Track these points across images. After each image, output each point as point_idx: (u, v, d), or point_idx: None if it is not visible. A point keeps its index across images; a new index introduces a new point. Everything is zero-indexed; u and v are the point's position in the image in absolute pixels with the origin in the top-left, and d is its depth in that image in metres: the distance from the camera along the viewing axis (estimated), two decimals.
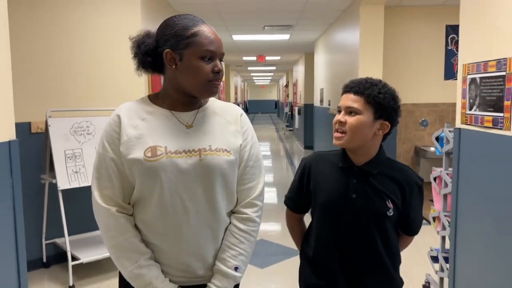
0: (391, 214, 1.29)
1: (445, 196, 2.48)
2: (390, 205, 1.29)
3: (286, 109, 17.46)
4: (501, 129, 1.86)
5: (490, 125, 1.94)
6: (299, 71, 12.03)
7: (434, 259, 2.67)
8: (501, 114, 1.86)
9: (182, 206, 1.16)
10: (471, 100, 2.13)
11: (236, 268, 1.21)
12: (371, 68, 4.50)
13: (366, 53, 4.53)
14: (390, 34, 4.89)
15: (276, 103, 28.44)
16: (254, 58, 11.55)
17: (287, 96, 17.57)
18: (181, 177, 1.15)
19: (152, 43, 1.18)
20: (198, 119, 1.23)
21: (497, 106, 1.89)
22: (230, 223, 1.26)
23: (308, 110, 9.99)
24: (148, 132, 1.17)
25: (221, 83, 1.08)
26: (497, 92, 1.89)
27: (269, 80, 27.21)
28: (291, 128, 15.14)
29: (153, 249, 1.20)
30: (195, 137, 1.20)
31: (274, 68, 16.25)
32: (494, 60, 1.92)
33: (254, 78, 23.89)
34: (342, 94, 1.33)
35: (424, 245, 2.93)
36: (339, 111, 1.32)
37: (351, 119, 1.27)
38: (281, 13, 5.66)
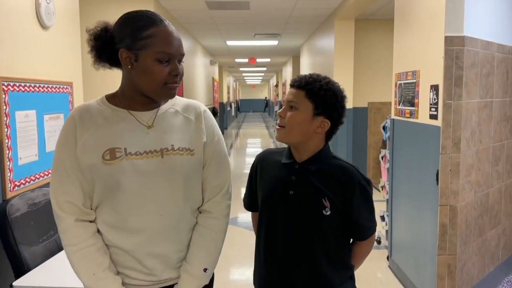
0: (328, 213, 1.23)
1: (388, 170, 3.36)
2: (327, 203, 1.23)
3: (276, 108, 18.33)
4: (414, 118, 2.73)
5: (409, 115, 2.82)
6: (288, 72, 12.89)
7: (382, 218, 3.56)
8: (414, 108, 2.73)
9: (144, 208, 1.13)
10: (399, 99, 3.00)
11: (205, 270, 1.19)
12: (343, 70, 5.37)
13: (339, 58, 5.41)
14: (361, 42, 5.75)
15: (267, 102, 29.18)
16: (246, 60, 12.40)
17: (277, 95, 18.43)
18: (142, 179, 1.12)
19: (109, 38, 1.11)
20: (159, 119, 1.17)
21: (412, 102, 2.76)
22: (196, 223, 1.23)
23: None
24: (106, 134, 1.12)
25: (180, 84, 1.11)
26: (412, 93, 2.76)
27: (260, 80, 27.93)
28: None
29: (116, 252, 1.15)
30: (156, 137, 1.15)
31: (264, 69, 17.09)
32: (410, 71, 2.79)
33: (245, 77, 24.65)
34: (289, 88, 1.30)
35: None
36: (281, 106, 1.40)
37: (289, 114, 1.24)
38: (269, 24, 6.51)
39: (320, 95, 1.21)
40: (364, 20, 5.72)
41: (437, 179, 2.39)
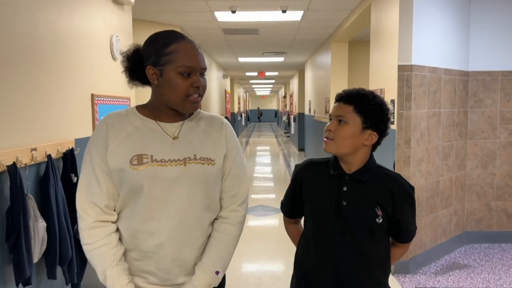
0: (381, 221, 1.28)
1: None
2: (380, 212, 1.28)
3: (284, 118, 19.25)
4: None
5: None
6: (294, 84, 13.84)
7: None
8: None
9: (166, 213, 1.18)
10: None
11: (217, 272, 1.23)
12: (339, 83, 6.31)
13: (335, 73, 6.39)
14: (354, 60, 6.66)
15: (276, 112, 30.02)
16: (256, 74, 13.40)
17: (285, 106, 19.36)
18: (165, 185, 1.17)
19: (139, 58, 1.20)
20: (184, 131, 1.24)
21: None
22: (212, 229, 1.28)
23: (301, 118, 11.77)
24: (135, 141, 1.19)
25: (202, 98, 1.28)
26: None
27: (269, 91, 28.83)
28: (288, 135, 16.90)
29: (135, 257, 1.21)
30: (181, 147, 1.21)
31: (273, 81, 18.07)
32: (379, 88, 3.69)
33: (255, 89, 25.65)
34: (335, 102, 1.34)
35: None
36: (330, 119, 1.33)
37: (339, 128, 1.27)
38: (275, 45, 7.49)
39: (369, 109, 1.27)
40: (357, 42, 6.64)
41: (393, 167, 3.27)
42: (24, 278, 1.77)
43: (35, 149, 1.94)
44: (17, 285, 1.76)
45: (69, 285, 2.18)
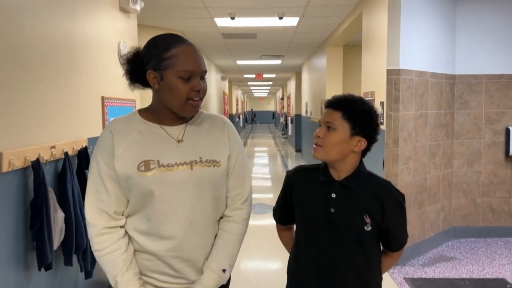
0: (369, 229, 1.28)
1: None
2: (368, 220, 1.27)
3: (282, 119, 19.47)
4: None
5: None
6: (292, 86, 14.06)
7: None
8: None
9: (175, 216, 1.20)
10: None
11: (224, 270, 1.26)
12: (334, 85, 6.53)
13: (331, 75, 6.62)
14: (349, 63, 6.88)
15: (274, 114, 30.23)
16: (254, 76, 13.62)
17: (283, 107, 19.58)
18: (174, 189, 1.19)
19: (139, 61, 1.21)
20: (188, 133, 1.26)
21: None
22: (218, 228, 1.31)
23: (298, 119, 11.99)
24: (140, 147, 1.20)
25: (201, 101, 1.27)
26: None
27: (267, 93, 29.03)
28: (286, 136, 17.12)
29: (146, 258, 1.23)
30: (186, 150, 1.23)
31: (271, 83, 18.29)
32: (370, 91, 3.91)
33: (253, 91, 25.85)
34: (324, 108, 1.34)
35: None
36: (320, 125, 1.33)
37: (328, 134, 1.27)
38: (273, 48, 7.71)
39: (357, 116, 1.26)
40: (351, 46, 6.86)
41: (383, 165, 3.48)
42: (46, 263, 1.97)
43: (54, 147, 2.15)
44: (39, 269, 1.96)
45: (83, 272, 2.38)
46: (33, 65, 2.01)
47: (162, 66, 1.18)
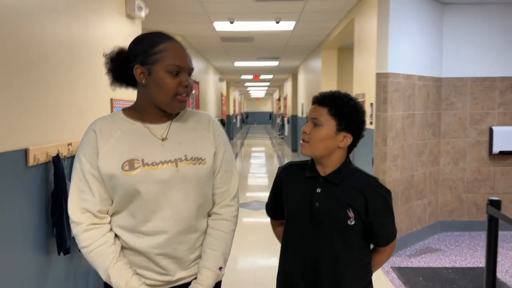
0: (353, 223, 1.29)
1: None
2: (351, 214, 1.29)
3: (278, 120, 19.70)
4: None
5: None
6: (288, 87, 14.29)
7: None
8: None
9: (160, 214, 1.20)
10: None
11: (220, 268, 1.27)
12: (328, 88, 6.68)
13: (325, 77, 6.87)
14: (343, 65, 7.12)
15: (271, 115, 30.41)
16: (251, 77, 13.85)
17: (279, 108, 19.81)
18: (159, 188, 1.19)
19: (124, 59, 1.21)
20: (172, 131, 1.25)
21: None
22: (208, 226, 1.31)
23: (294, 120, 12.23)
24: (124, 146, 1.20)
25: (189, 98, 1.28)
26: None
27: (264, 93, 29.26)
28: (282, 136, 17.35)
29: (131, 253, 1.23)
30: (170, 149, 1.23)
31: (268, 84, 18.52)
32: (360, 93, 4.14)
33: (250, 91, 26.01)
34: (311, 105, 1.35)
35: None
36: (307, 121, 1.34)
37: (314, 130, 1.29)
38: (270, 51, 7.94)
39: (343, 112, 1.28)
40: (345, 49, 7.10)
41: (372, 163, 3.72)
42: (65, 248, 2.18)
43: (70, 144, 2.36)
44: (59, 253, 2.18)
45: None
46: (49, 71, 2.22)
47: (150, 61, 1.19)
